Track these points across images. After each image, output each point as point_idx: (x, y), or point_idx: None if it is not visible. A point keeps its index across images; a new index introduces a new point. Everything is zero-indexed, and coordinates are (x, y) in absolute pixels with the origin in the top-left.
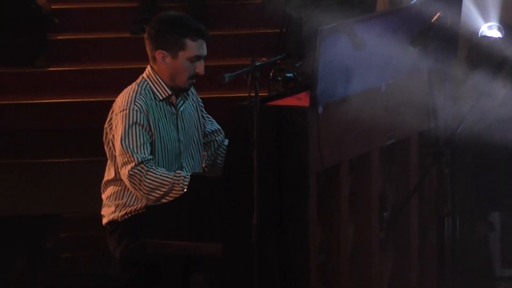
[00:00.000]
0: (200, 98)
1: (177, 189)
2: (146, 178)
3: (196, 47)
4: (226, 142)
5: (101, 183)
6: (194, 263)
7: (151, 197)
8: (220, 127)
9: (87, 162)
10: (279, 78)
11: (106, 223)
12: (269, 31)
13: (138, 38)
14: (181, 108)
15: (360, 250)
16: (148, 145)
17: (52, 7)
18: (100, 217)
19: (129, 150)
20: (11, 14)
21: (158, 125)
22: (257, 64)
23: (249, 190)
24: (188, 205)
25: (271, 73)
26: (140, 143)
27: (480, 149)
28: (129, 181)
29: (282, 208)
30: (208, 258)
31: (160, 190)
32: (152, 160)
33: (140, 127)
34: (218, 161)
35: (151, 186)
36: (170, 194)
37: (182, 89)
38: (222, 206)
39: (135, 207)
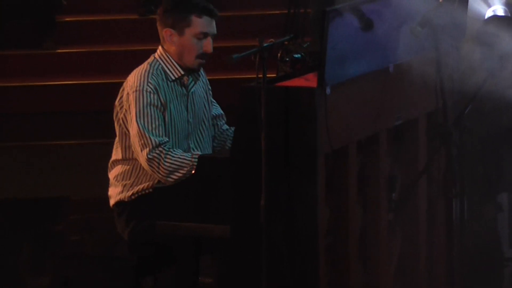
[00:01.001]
0: (208, 79)
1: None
2: (165, 161)
3: (202, 23)
4: (226, 126)
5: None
6: (203, 244)
7: (170, 179)
8: (223, 112)
9: (96, 144)
10: (287, 59)
11: (113, 204)
12: (277, 12)
13: (146, 19)
14: (192, 90)
15: (369, 231)
16: (163, 126)
17: None
18: (108, 199)
19: (145, 132)
20: None
21: (169, 105)
22: (264, 45)
23: (257, 172)
24: (196, 186)
25: (279, 54)
26: (156, 124)
27: (488, 129)
28: (148, 164)
29: (290, 190)
30: (216, 240)
31: (179, 172)
32: (169, 141)
33: (155, 108)
34: (214, 144)
35: (170, 168)
36: (188, 175)
37: (191, 68)
38: (230, 188)
39: (142, 186)
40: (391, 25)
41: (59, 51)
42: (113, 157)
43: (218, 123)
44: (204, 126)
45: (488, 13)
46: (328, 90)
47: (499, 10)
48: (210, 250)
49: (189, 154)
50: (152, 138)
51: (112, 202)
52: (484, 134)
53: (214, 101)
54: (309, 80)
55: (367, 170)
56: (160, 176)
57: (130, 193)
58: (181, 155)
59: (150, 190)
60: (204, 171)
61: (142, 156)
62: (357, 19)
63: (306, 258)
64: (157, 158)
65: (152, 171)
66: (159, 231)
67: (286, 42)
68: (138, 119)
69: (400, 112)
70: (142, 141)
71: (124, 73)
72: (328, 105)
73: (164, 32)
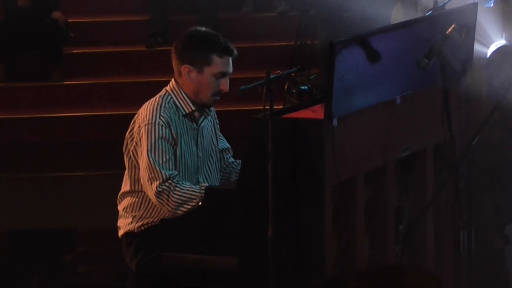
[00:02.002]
0: (215, 110)
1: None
2: (174, 193)
3: (222, 63)
4: (232, 159)
5: (117, 196)
6: (210, 276)
7: (179, 211)
8: (229, 146)
9: (104, 175)
10: (294, 91)
11: (122, 235)
12: (284, 44)
13: (153, 51)
14: (202, 124)
15: (376, 263)
16: (173, 160)
17: (68, 20)
18: (117, 230)
19: (156, 165)
20: (27, 28)
21: (180, 140)
22: (271, 76)
23: (264, 203)
24: (203, 217)
25: (285, 86)
26: (166, 158)
27: (496, 160)
28: (157, 197)
29: (298, 221)
30: (223, 271)
31: (188, 205)
32: (178, 175)
33: (166, 142)
34: (219, 177)
35: (179, 201)
36: (197, 207)
37: (205, 104)
38: (237, 219)
39: (152, 219)
40: (398, 56)
41: (67, 82)
42: (123, 189)
43: (225, 156)
44: (212, 160)
45: (492, 48)
46: (335, 122)
47: (502, 42)
48: (217, 282)
49: (197, 186)
50: (162, 171)
51: (121, 232)
52: (491, 166)
53: (221, 135)
54: (316, 112)
55: (375, 201)
56: (169, 209)
57: (139, 224)
58: (189, 187)
59: (160, 222)
60: (211, 203)
61: (151, 189)
62: (364, 51)
63: None
64: (166, 191)
65: (161, 204)
66: (166, 263)
67: (293, 74)
68: (149, 152)
69: (408, 144)
70: (152, 174)
71: (131, 105)
72: (335, 137)
73: (183, 68)
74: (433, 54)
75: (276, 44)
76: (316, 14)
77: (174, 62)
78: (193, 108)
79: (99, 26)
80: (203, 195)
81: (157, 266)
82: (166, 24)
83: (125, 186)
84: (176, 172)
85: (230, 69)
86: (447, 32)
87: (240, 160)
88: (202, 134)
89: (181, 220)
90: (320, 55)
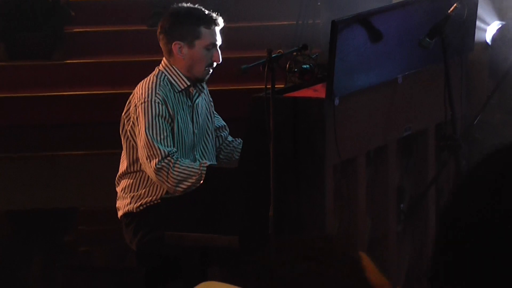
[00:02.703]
0: (217, 89)
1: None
2: (173, 170)
3: (211, 34)
4: (231, 138)
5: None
6: (211, 255)
7: (179, 188)
8: (225, 124)
9: (104, 154)
10: (296, 70)
11: (121, 215)
12: (286, 23)
13: (154, 31)
14: (196, 101)
15: (377, 243)
16: (171, 137)
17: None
18: (117, 211)
19: (154, 143)
20: (28, 7)
21: (177, 117)
22: (273, 55)
23: (265, 182)
24: (204, 196)
25: (287, 65)
26: (164, 135)
27: (497, 140)
28: (156, 174)
29: (298, 201)
30: (224, 250)
31: (188, 181)
32: (177, 152)
33: (163, 119)
34: (221, 156)
35: (179, 178)
36: (197, 185)
37: (199, 79)
38: (238, 198)
39: (150, 198)
40: (400, 36)
41: (68, 62)
42: (120, 171)
43: (222, 134)
44: (208, 137)
45: (493, 28)
46: (336, 101)
47: (503, 22)
48: (218, 261)
49: (197, 163)
50: (161, 148)
51: (120, 213)
52: (493, 146)
53: (215, 113)
54: (317, 91)
55: (376, 181)
56: (168, 186)
57: (138, 204)
58: (189, 164)
59: (158, 201)
60: (213, 182)
61: (150, 167)
62: (365, 30)
63: None
64: (165, 167)
65: (161, 181)
66: (167, 242)
67: (294, 53)
68: (147, 130)
69: (409, 123)
70: (151, 152)
71: (132, 84)
72: (336, 116)
73: (173, 46)
74: (434, 34)
75: (278, 23)
76: None
77: (163, 42)
78: (188, 84)
79: (101, 5)
80: (203, 172)
81: (157, 245)
82: (168, 3)
83: (123, 167)
84: (175, 149)
85: (219, 40)
86: (449, 12)
87: (240, 139)
88: (197, 111)
89: (181, 199)
90: (322, 35)
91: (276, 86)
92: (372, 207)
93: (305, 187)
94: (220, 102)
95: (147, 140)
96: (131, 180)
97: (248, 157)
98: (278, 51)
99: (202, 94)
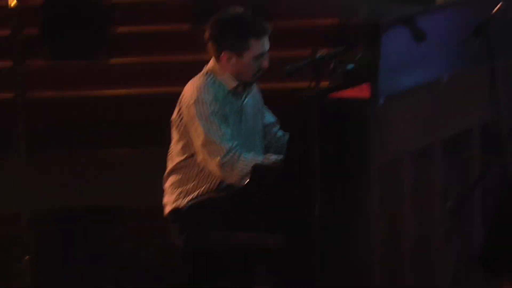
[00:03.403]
0: (260, 88)
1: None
2: (238, 164)
3: (261, 45)
4: (281, 133)
5: (163, 173)
6: (257, 254)
7: (243, 182)
8: (276, 119)
9: (149, 152)
10: (340, 70)
11: (168, 212)
12: (329, 21)
13: (199, 29)
14: (245, 100)
15: (423, 242)
16: (229, 132)
17: (113, 0)
18: (161, 208)
19: (215, 138)
20: (71, 8)
21: (227, 116)
22: (317, 56)
23: (311, 182)
24: (250, 196)
25: (331, 65)
26: (223, 132)
27: None
28: (222, 169)
29: (344, 201)
30: (270, 250)
31: None
32: (238, 144)
33: (218, 116)
34: (271, 152)
35: (244, 171)
36: None
37: (248, 83)
38: (284, 198)
39: (197, 192)
40: (444, 36)
41: (112, 61)
42: (169, 168)
43: (272, 130)
44: (257, 136)
45: None
46: (381, 101)
47: None
48: (265, 260)
49: (262, 156)
50: (223, 143)
51: (167, 210)
52: None
53: (266, 107)
54: (362, 91)
55: (421, 180)
56: (234, 179)
57: (186, 200)
58: (254, 157)
59: (206, 197)
60: (259, 181)
61: (214, 163)
62: (410, 30)
63: (360, 269)
64: (230, 162)
65: (226, 176)
66: (213, 241)
67: (339, 53)
68: (204, 128)
69: (454, 123)
70: (213, 148)
71: (177, 84)
72: (381, 116)
73: (222, 55)
74: (479, 34)
75: (322, 21)
76: None
77: (212, 48)
78: (237, 83)
79: (144, 4)
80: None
81: (203, 244)
82: (212, 3)
83: (172, 163)
84: (237, 142)
85: (268, 46)
86: (493, 12)
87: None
88: (246, 111)
89: (228, 198)
90: (364, 33)
91: (320, 85)
92: (418, 207)
93: (351, 187)
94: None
95: (207, 138)
96: (180, 176)
97: (294, 158)
98: (323, 51)
99: (252, 93)
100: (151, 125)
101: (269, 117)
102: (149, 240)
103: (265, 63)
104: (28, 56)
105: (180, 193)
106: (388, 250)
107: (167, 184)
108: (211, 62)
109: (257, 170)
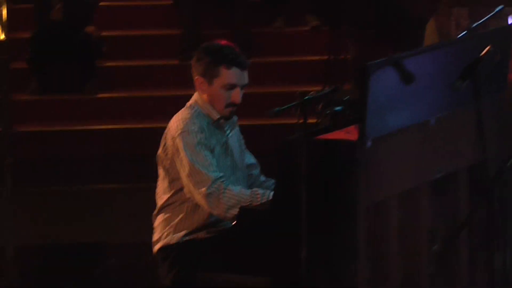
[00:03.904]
0: (246, 124)
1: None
2: (224, 195)
3: (231, 75)
4: (263, 178)
5: (149, 209)
6: None
7: (228, 215)
8: (256, 161)
9: (136, 188)
10: (328, 112)
11: (158, 249)
12: (316, 58)
13: (186, 65)
14: (230, 134)
15: (410, 285)
16: (215, 163)
17: (101, 34)
18: (148, 244)
19: (201, 169)
20: (60, 41)
21: (214, 146)
22: (305, 98)
23: (297, 224)
24: (237, 237)
25: (319, 106)
26: (209, 162)
27: None
28: (207, 200)
29: (331, 242)
30: None
31: (238, 208)
32: (224, 176)
33: (204, 147)
34: None
35: (229, 203)
36: None
37: (222, 116)
38: (270, 240)
39: (186, 228)
40: (432, 78)
41: (100, 96)
42: (158, 206)
43: (253, 172)
44: (242, 172)
45: None
46: (369, 143)
47: None
48: None
49: (249, 191)
50: (209, 173)
51: (156, 247)
52: None
53: (246, 149)
54: (349, 133)
55: (408, 223)
56: (219, 211)
57: (176, 237)
58: (240, 190)
59: (195, 233)
60: (245, 223)
61: (199, 194)
62: (398, 72)
63: None
64: (216, 193)
65: (211, 207)
66: (200, 282)
67: (326, 94)
68: (190, 158)
69: (441, 165)
70: (199, 178)
71: (165, 118)
72: (369, 159)
73: (196, 80)
74: (466, 76)
75: (309, 58)
76: (347, 29)
77: (192, 75)
78: (219, 115)
79: (132, 39)
80: (254, 200)
81: (190, 284)
82: (199, 38)
83: (160, 202)
84: (222, 174)
85: (242, 81)
86: (481, 54)
87: (273, 180)
88: (231, 145)
89: (214, 239)
90: (352, 70)
91: (308, 121)
92: (404, 249)
93: (337, 229)
94: (249, 137)
95: (193, 168)
96: (169, 214)
97: (280, 199)
98: (311, 93)
99: (235, 130)
100: (139, 160)
101: (250, 159)
102: (135, 277)
103: (237, 97)
104: (16, 90)
105: (170, 230)
106: None
107: (156, 223)
108: (195, 95)
109: (244, 211)
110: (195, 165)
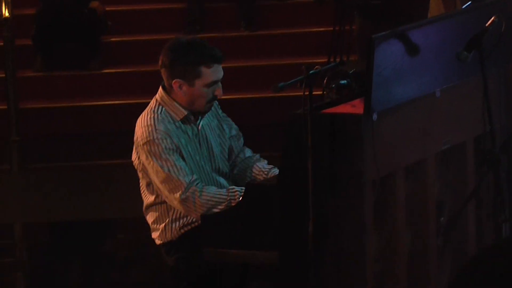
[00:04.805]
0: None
1: (234, 204)
2: (200, 199)
3: (212, 72)
4: (248, 153)
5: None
6: (251, 271)
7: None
8: (238, 131)
9: None
10: (333, 85)
11: (159, 245)
12: (322, 29)
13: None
14: (201, 124)
15: (417, 257)
16: (185, 166)
17: (106, 9)
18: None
19: (173, 175)
20: (64, 18)
21: (186, 145)
22: (310, 72)
23: (304, 198)
24: (244, 213)
25: (325, 80)
26: (180, 166)
27: None
28: (183, 205)
29: (337, 217)
30: (264, 266)
31: (217, 208)
32: (198, 178)
33: (172, 152)
34: (235, 172)
35: (207, 206)
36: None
37: (201, 112)
38: (277, 214)
39: (182, 220)
40: (437, 49)
41: (105, 71)
42: (144, 204)
43: (234, 145)
44: (221, 154)
45: None
46: (374, 117)
47: None
48: (259, 276)
49: (225, 190)
50: (181, 179)
51: (157, 243)
52: None
53: (226, 118)
54: (355, 107)
55: (415, 195)
56: (196, 214)
57: (174, 233)
58: (215, 191)
59: (195, 223)
60: (252, 198)
61: (175, 200)
62: (403, 44)
63: (354, 285)
64: (191, 197)
65: (188, 212)
66: (207, 258)
67: (331, 69)
68: (161, 166)
69: (448, 137)
70: (172, 185)
71: None
72: (374, 131)
73: (174, 83)
74: (472, 47)
75: (314, 29)
76: (351, 1)
77: (164, 76)
78: (186, 113)
79: (137, 14)
80: (232, 198)
81: (197, 261)
82: (203, 11)
83: (146, 200)
84: (196, 176)
85: (221, 75)
86: (486, 24)
87: (257, 156)
88: (205, 133)
89: (221, 215)
90: (358, 42)
91: (313, 94)
92: (412, 221)
93: (344, 203)
94: (253, 110)
95: (164, 175)
96: (158, 212)
97: (287, 174)
98: (316, 67)
99: (206, 115)
100: None
101: (231, 130)
102: (143, 253)
103: (219, 92)
104: (21, 67)
105: (165, 226)
106: (382, 266)
107: (150, 221)
108: (159, 93)
109: (250, 187)
110: (166, 172)
